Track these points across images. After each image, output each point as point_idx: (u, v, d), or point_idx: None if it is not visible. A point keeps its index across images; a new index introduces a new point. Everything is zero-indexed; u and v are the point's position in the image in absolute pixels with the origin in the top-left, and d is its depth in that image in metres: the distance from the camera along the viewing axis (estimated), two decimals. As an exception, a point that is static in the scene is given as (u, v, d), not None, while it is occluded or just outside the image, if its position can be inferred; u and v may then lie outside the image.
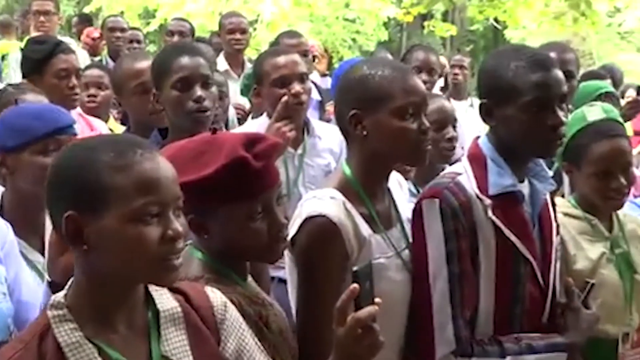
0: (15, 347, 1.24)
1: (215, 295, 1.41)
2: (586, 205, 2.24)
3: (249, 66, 4.62)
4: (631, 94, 7.31)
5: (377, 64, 1.80)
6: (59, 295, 1.28)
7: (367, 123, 1.75)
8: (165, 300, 1.34)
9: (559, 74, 1.85)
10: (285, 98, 2.63)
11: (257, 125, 2.83)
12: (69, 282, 1.30)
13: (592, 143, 2.16)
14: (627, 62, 12.52)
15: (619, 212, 2.30)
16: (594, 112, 2.27)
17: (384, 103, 1.74)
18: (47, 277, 1.62)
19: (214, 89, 2.40)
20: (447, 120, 2.65)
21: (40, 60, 2.95)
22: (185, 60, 2.35)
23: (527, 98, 1.79)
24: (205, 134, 1.61)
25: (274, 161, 1.60)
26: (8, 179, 1.96)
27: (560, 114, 1.82)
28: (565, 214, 2.20)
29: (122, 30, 5.52)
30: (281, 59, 2.75)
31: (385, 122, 1.74)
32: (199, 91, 2.33)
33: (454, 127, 2.69)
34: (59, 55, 2.93)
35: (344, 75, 1.85)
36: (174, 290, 1.36)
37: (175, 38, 4.88)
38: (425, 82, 3.79)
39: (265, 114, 2.84)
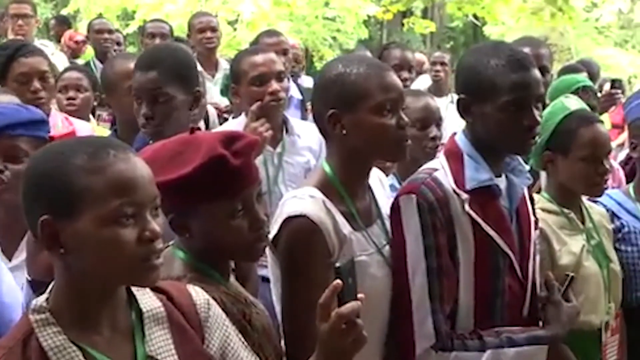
0: None
1: (198, 294, 1.41)
2: (562, 198, 2.28)
3: (223, 66, 4.62)
4: (608, 87, 7.41)
5: (353, 62, 1.80)
6: (41, 299, 1.27)
7: (346, 122, 1.75)
8: (148, 300, 1.34)
9: (537, 73, 1.87)
10: (258, 104, 2.62)
11: (236, 124, 2.83)
12: (50, 286, 1.29)
13: (580, 128, 2.23)
14: (605, 57, 12.63)
15: (586, 203, 2.35)
16: (573, 102, 2.35)
17: (362, 101, 1.74)
18: (26, 275, 1.61)
19: (172, 103, 2.32)
20: (431, 118, 2.63)
21: (2, 66, 2.91)
22: (137, 75, 2.35)
23: (506, 98, 1.81)
24: (184, 134, 1.61)
25: (252, 159, 1.60)
26: None
27: (536, 113, 1.85)
28: (543, 210, 2.23)
29: (110, 32, 5.48)
30: (259, 58, 2.76)
31: (364, 119, 1.74)
32: (144, 108, 2.31)
33: (439, 125, 2.67)
34: (19, 60, 2.88)
35: (320, 75, 1.85)
36: (156, 290, 1.36)
37: (157, 40, 4.85)
38: (405, 80, 3.83)
39: (244, 114, 2.85)
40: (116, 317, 1.29)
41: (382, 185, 1.97)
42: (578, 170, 2.23)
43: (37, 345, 1.22)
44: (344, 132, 1.75)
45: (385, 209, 1.89)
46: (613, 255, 2.33)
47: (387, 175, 2.45)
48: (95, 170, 1.21)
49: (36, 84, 2.87)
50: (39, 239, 1.24)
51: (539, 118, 1.85)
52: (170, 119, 2.33)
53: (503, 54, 1.85)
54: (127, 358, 1.28)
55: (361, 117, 1.75)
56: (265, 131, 2.57)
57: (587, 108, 2.41)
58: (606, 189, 2.34)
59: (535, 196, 2.30)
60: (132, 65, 2.69)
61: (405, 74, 3.84)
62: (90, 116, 3.75)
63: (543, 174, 2.69)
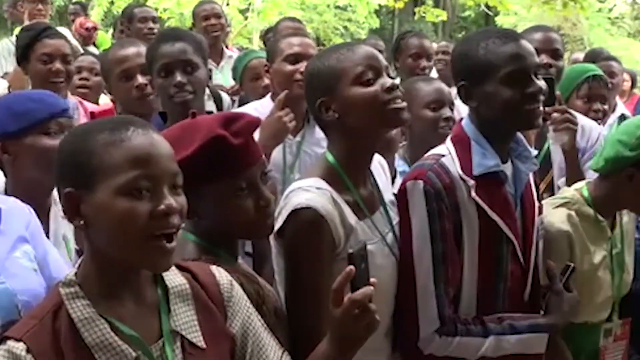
0: (30, 323, 1.27)
1: (221, 274, 1.44)
2: (604, 207, 2.20)
3: (228, 54, 4.64)
4: (625, 77, 7.38)
5: (325, 53, 1.82)
6: (70, 274, 1.32)
7: (335, 105, 1.75)
8: (173, 276, 1.37)
9: (529, 45, 1.88)
10: (285, 92, 2.64)
11: (259, 105, 2.87)
12: (79, 260, 1.33)
13: None
14: (618, 47, 12.56)
15: None
16: None
17: (340, 78, 1.75)
18: (75, 245, 1.64)
19: (199, 72, 2.41)
20: (444, 100, 2.64)
21: (26, 46, 2.97)
22: (166, 47, 2.38)
23: (505, 70, 1.82)
24: (186, 120, 1.64)
25: (253, 138, 1.61)
26: (10, 166, 1.95)
27: (538, 82, 1.85)
28: (578, 213, 2.18)
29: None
30: (296, 39, 2.83)
31: (348, 94, 1.74)
32: (178, 76, 2.35)
33: (451, 108, 2.67)
34: (43, 40, 2.94)
35: (304, 74, 1.87)
36: (180, 269, 1.40)
37: (150, 24, 4.89)
38: (424, 68, 3.84)
39: (269, 95, 2.89)
40: (142, 291, 1.33)
41: (382, 169, 1.96)
42: None
43: (66, 317, 1.26)
44: (337, 115, 1.75)
45: (387, 194, 1.90)
46: (629, 264, 2.29)
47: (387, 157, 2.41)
48: (113, 143, 1.25)
49: (58, 65, 2.92)
50: (64, 210, 1.29)
51: (542, 85, 1.85)
52: (201, 89, 2.38)
53: (491, 34, 1.88)
54: (153, 332, 1.31)
55: (344, 93, 1.74)
56: (289, 121, 2.60)
57: None
58: None
59: (574, 194, 2.23)
60: (124, 51, 2.73)
61: (424, 63, 3.85)
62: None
63: (556, 163, 2.68)
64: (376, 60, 1.77)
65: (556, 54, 2.72)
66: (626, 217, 2.31)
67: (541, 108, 1.87)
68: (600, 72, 3.35)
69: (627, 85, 7.38)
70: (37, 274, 1.70)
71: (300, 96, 2.70)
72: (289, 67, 2.73)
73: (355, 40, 12.81)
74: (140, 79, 2.63)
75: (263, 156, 1.64)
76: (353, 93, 1.74)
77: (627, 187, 2.16)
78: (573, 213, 2.17)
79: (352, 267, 1.42)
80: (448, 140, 1.95)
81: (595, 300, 2.16)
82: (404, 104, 1.77)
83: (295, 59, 2.74)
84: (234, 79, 3.94)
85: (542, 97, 1.86)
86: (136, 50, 2.70)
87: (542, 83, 1.86)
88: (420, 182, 1.82)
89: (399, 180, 2.08)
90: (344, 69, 1.75)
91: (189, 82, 2.36)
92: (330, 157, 1.80)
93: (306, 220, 1.67)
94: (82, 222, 1.27)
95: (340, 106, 1.75)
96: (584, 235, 2.18)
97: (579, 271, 2.08)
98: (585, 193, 2.23)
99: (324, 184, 1.73)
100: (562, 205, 2.20)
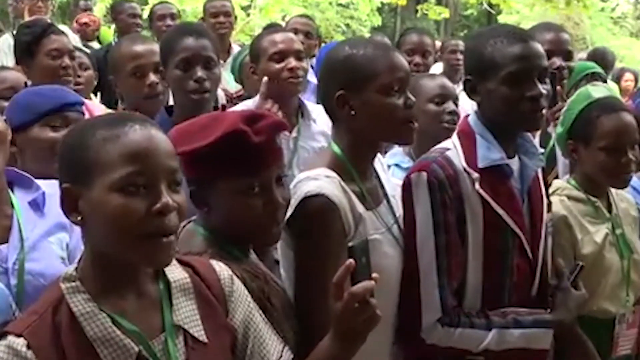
0: (30, 319, 1.26)
1: (222, 269, 1.43)
2: (588, 185, 2.23)
3: (235, 52, 4.62)
4: (629, 77, 7.38)
5: (359, 44, 1.82)
6: (71, 269, 1.31)
7: (354, 102, 1.76)
8: (175, 271, 1.36)
9: (538, 47, 1.87)
10: (265, 80, 2.63)
11: (251, 104, 2.84)
12: (79, 255, 1.33)
13: (601, 116, 2.18)
14: (620, 47, 12.58)
15: (613, 191, 2.30)
16: (599, 90, 2.29)
17: (370, 81, 1.75)
18: None
19: (216, 70, 2.42)
20: (448, 94, 2.67)
21: (31, 42, 2.95)
22: (189, 41, 2.38)
23: (507, 70, 1.83)
24: (215, 112, 1.64)
25: (274, 140, 1.61)
26: (19, 159, 1.97)
27: (540, 85, 1.84)
28: (569, 197, 2.20)
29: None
30: (278, 36, 2.78)
31: (372, 100, 1.75)
32: (199, 72, 2.35)
33: (455, 104, 2.70)
34: (50, 36, 2.94)
35: (327, 57, 1.86)
36: (181, 263, 1.39)
37: (168, 20, 4.87)
38: (418, 65, 3.82)
39: (258, 96, 2.87)
40: (143, 286, 1.32)
41: (382, 166, 1.98)
42: (599, 160, 2.17)
43: (67, 312, 1.25)
44: (353, 112, 1.76)
45: (389, 189, 1.91)
46: (636, 245, 2.28)
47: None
48: (110, 139, 1.24)
49: (67, 60, 2.93)
50: (61, 206, 1.28)
51: (543, 90, 1.85)
52: (216, 87, 2.39)
53: (502, 32, 1.88)
54: (155, 326, 1.30)
55: (369, 97, 1.75)
56: (276, 112, 2.58)
57: (617, 95, 2.36)
58: (630, 179, 2.25)
59: (562, 183, 2.28)
60: (137, 47, 2.74)
61: (417, 59, 3.83)
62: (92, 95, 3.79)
63: (560, 160, 2.68)
64: (406, 74, 1.79)
65: (569, 55, 2.71)
66: (624, 204, 2.31)
67: (543, 112, 1.86)
68: (598, 69, 3.34)
69: (630, 84, 7.38)
70: (64, 262, 1.73)
71: (290, 93, 2.69)
72: (276, 66, 2.70)
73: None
74: (153, 77, 2.64)
75: (282, 160, 1.63)
76: (377, 100, 1.75)
77: (582, 162, 2.23)
78: (564, 197, 2.18)
79: (352, 260, 1.42)
80: (454, 135, 1.95)
81: (605, 285, 2.15)
82: (417, 124, 1.79)
83: (280, 57, 2.71)
84: (233, 75, 3.92)
85: (543, 102, 1.85)
86: (149, 47, 2.71)
87: (544, 87, 1.85)
88: (424, 173, 1.83)
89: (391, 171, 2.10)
90: (376, 73, 1.75)
91: (208, 78, 2.36)
92: (336, 148, 1.81)
93: (317, 207, 1.67)
94: (79, 218, 1.26)
95: (359, 106, 1.76)
96: (580, 216, 2.19)
97: (583, 254, 2.09)
98: (572, 182, 2.27)
99: (332, 173, 1.74)
100: (551, 194, 2.21)
